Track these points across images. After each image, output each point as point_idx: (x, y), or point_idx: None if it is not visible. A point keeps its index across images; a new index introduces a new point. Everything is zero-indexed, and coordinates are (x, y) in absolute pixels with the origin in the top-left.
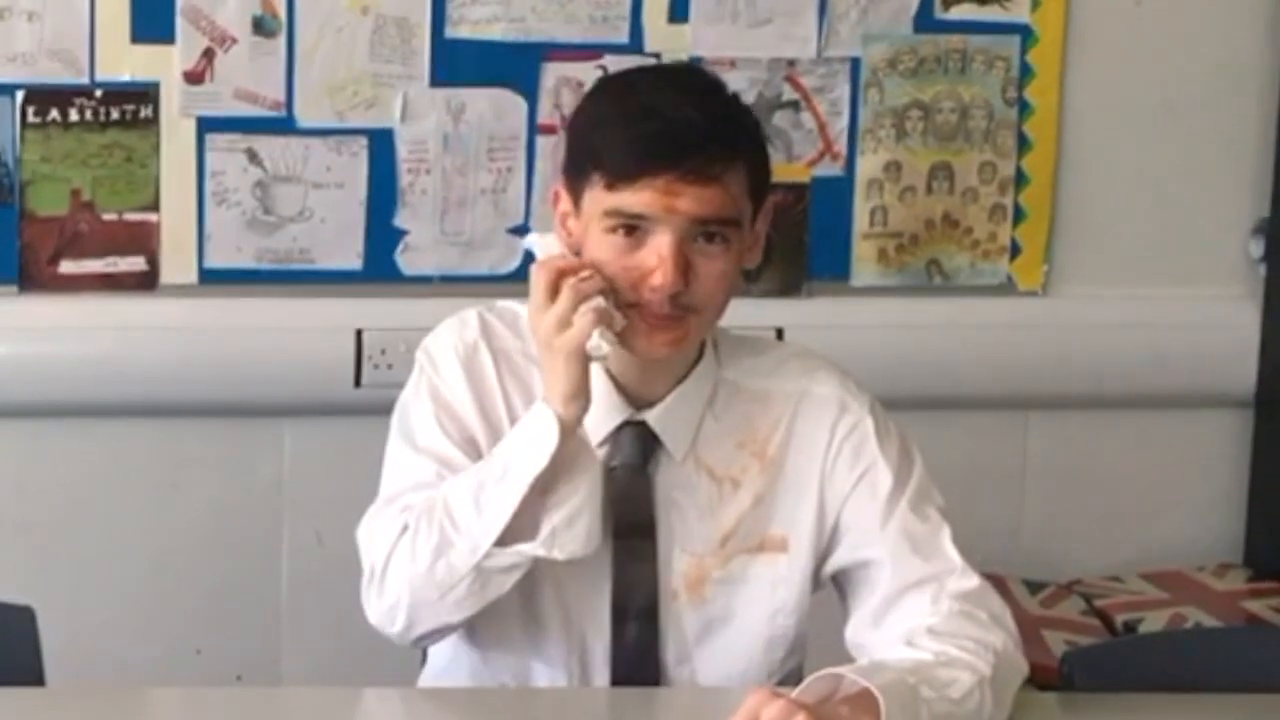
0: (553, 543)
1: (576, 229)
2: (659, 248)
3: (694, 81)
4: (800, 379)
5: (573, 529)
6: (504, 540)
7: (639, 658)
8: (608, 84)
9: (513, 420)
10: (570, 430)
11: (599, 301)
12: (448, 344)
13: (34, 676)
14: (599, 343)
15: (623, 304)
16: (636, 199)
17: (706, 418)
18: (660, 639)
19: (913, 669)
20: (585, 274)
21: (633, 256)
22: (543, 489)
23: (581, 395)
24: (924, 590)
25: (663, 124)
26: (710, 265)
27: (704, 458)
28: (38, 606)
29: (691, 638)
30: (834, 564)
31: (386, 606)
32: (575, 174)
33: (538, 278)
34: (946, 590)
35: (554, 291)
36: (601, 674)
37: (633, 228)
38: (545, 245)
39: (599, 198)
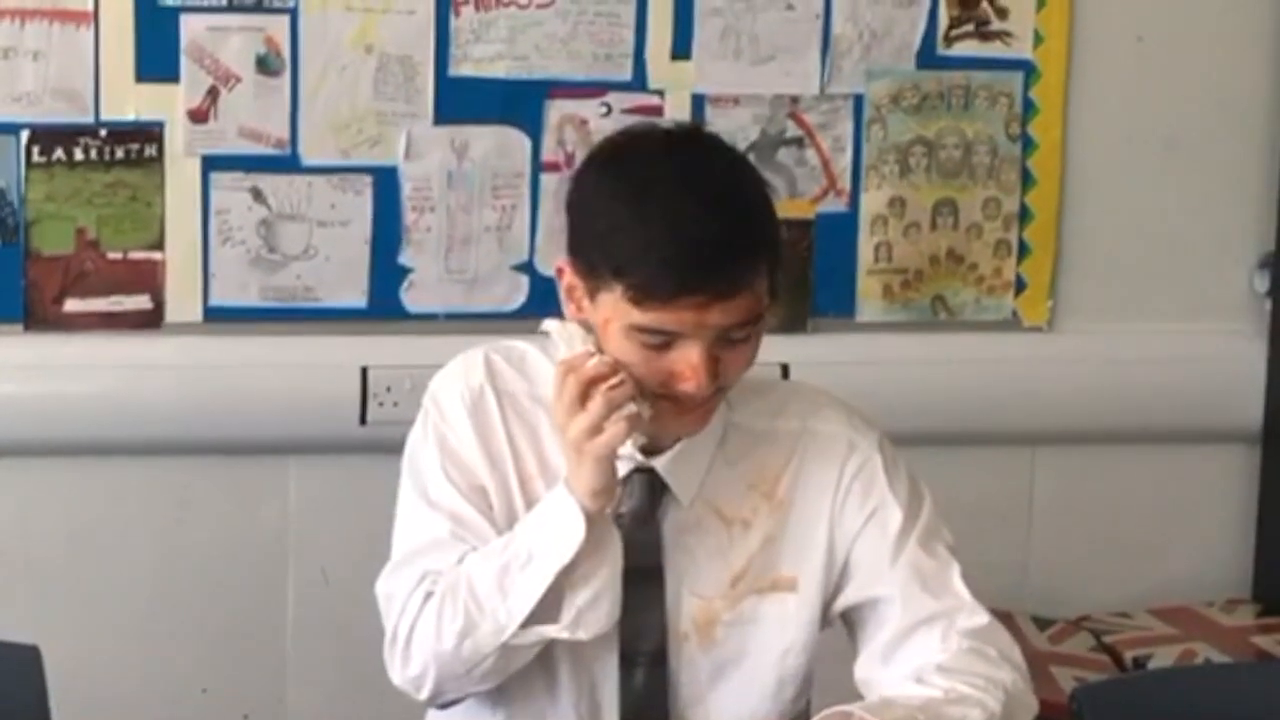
0: (577, 625)
1: (590, 313)
2: (689, 357)
3: (708, 175)
4: (806, 418)
5: (595, 610)
6: (528, 619)
7: (649, 702)
8: (612, 171)
9: (519, 465)
10: (595, 520)
11: (631, 409)
12: (453, 390)
13: (40, 716)
14: (633, 451)
15: (649, 394)
16: (667, 319)
17: (718, 461)
18: (670, 682)
19: (922, 706)
20: (614, 381)
21: (660, 360)
22: (566, 568)
23: (609, 491)
24: (934, 627)
25: (690, 246)
26: (737, 356)
27: (713, 500)
28: (43, 646)
29: (703, 681)
30: (843, 602)
31: (412, 676)
32: (589, 271)
33: (567, 384)
34: (956, 627)
35: (584, 398)
36: (612, 718)
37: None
38: (567, 337)
39: (623, 309)
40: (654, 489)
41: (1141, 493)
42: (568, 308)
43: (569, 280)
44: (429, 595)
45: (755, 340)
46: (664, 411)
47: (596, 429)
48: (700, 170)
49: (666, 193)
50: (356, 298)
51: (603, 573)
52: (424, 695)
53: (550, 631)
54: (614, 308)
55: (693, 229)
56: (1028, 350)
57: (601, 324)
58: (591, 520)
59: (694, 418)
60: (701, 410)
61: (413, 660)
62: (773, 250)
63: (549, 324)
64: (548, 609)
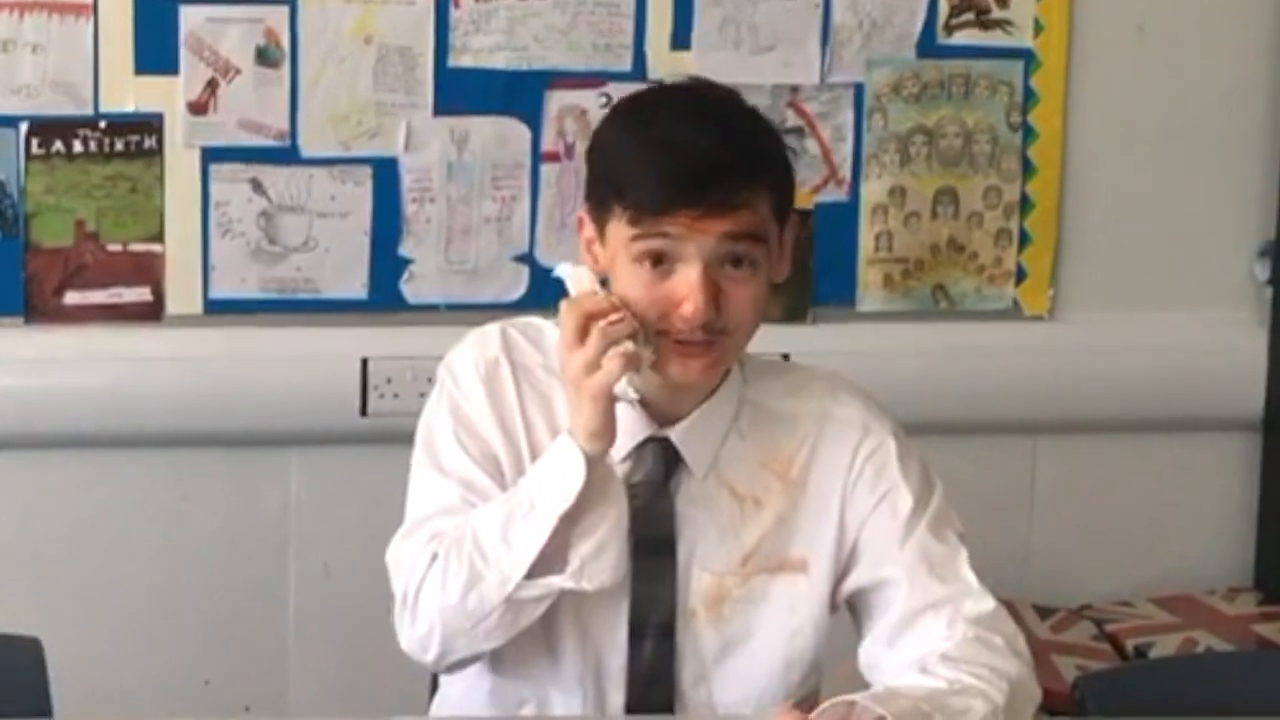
0: (581, 575)
1: (603, 257)
2: (687, 276)
3: (712, 107)
4: (824, 401)
5: (601, 560)
6: (533, 571)
7: (654, 676)
8: (626, 110)
9: (531, 435)
10: (596, 464)
11: (628, 346)
12: (468, 360)
13: (42, 708)
14: (626, 388)
15: (652, 331)
16: (664, 229)
17: (731, 436)
18: (677, 658)
19: (927, 697)
20: (614, 317)
21: (662, 287)
22: (570, 517)
23: (607, 433)
24: (940, 612)
25: (684, 160)
26: (739, 290)
27: (726, 476)
28: (45, 638)
29: (710, 657)
30: (851, 584)
31: (419, 636)
32: (598, 204)
33: (567, 318)
34: (962, 613)
35: (583, 333)
36: (617, 692)
37: (660, 258)
38: (576, 278)
39: (624, 232)
40: (668, 459)
41: (1143, 481)
42: (585, 260)
43: (587, 232)
44: (435, 555)
45: (758, 279)
46: (667, 352)
47: (594, 365)
48: (701, 101)
49: (668, 118)
50: (357, 289)
51: (607, 522)
52: (430, 656)
53: (556, 582)
54: (618, 235)
55: (687, 148)
56: (1028, 339)
57: (610, 261)
58: (593, 464)
59: (698, 364)
60: (704, 358)
61: (419, 618)
62: (774, 172)
63: (562, 268)
64: (553, 562)
